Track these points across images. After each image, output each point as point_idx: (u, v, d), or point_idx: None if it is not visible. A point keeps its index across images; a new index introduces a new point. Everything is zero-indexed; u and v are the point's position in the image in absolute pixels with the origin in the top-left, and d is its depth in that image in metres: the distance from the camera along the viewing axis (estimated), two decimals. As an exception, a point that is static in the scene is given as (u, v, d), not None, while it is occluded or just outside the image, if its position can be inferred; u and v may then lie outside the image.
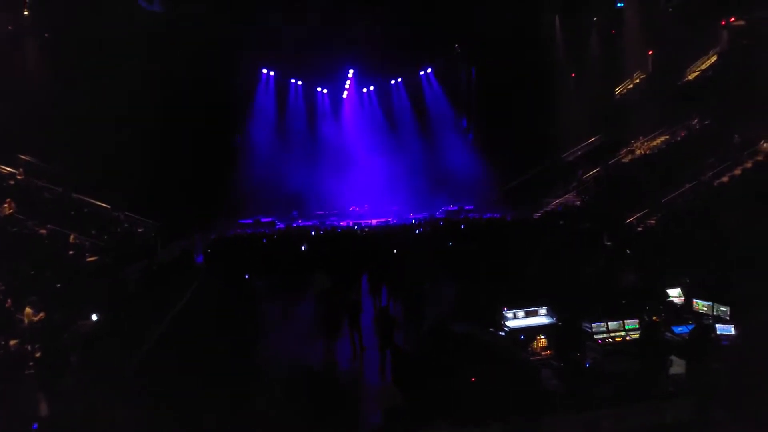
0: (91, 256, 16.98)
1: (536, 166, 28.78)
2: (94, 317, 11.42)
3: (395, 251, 17.24)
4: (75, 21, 21.41)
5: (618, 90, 30.42)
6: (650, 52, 28.74)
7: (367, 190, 31.26)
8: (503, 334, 8.92)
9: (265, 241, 21.83)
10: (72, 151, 21.11)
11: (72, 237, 17.32)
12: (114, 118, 21.97)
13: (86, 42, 21.65)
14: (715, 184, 19.08)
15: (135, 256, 17.98)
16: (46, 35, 22.60)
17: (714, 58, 26.15)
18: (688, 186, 19.55)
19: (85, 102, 21.53)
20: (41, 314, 10.74)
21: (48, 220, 17.84)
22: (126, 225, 21.96)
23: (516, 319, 9.19)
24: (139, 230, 22.23)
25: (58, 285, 13.28)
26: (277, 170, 29.55)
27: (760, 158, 18.64)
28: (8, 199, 17.08)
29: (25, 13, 22.23)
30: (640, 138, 26.23)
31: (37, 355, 9.24)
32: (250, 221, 27.88)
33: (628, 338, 8.29)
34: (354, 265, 15.65)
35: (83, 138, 21.16)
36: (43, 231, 16.95)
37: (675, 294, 9.89)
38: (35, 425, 6.86)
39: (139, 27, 22.48)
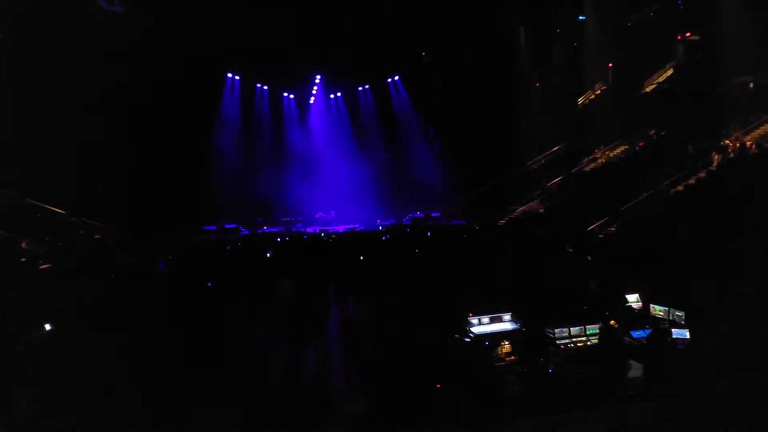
0: (45, 264, 16.39)
1: (502, 174, 29.25)
2: (47, 327, 10.99)
3: (362, 258, 17.20)
4: (33, 21, 20.73)
5: (581, 100, 31.25)
6: (610, 65, 29.66)
7: (333, 197, 31.14)
8: (468, 340, 8.98)
9: (228, 248, 21.46)
10: (27, 154, 20.37)
11: (24, 243, 16.69)
12: (72, 122, 21.32)
13: (44, 43, 20.98)
14: (672, 192, 19.76)
15: (91, 263, 17.42)
16: (0, 35, 21.80)
17: (670, 72, 27.19)
18: (645, 195, 20.18)
19: (41, 105, 20.84)
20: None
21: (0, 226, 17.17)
22: (82, 231, 21.29)
23: (481, 325, 9.27)
24: (96, 236, 21.57)
25: (10, 293, 12.75)
26: (243, 176, 29.18)
27: (713, 168, 19.40)
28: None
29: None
30: (602, 147, 26.98)
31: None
32: (213, 228, 27.38)
33: (589, 343, 8.45)
34: (320, 271, 15.53)
35: (39, 142, 20.46)
36: (-6, 237, 16.30)
37: (633, 299, 10.15)
38: None
39: (98, 28, 21.91)
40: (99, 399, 8.04)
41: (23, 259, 15.91)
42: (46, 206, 20.96)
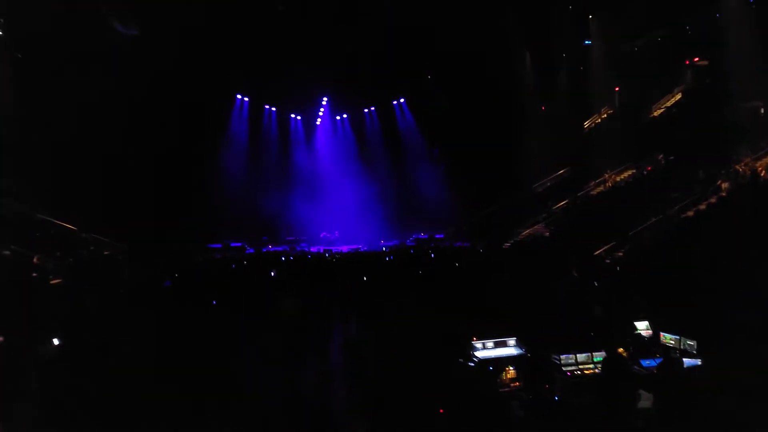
0: (55, 279, 16.46)
1: (507, 196, 29.25)
2: (55, 342, 11.00)
3: (365, 278, 17.16)
4: (47, 41, 21.16)
5: (587, 124, 31.35)
6: (617, 89, 29.80)
7: (338, 217, 31.23)
8: (472, 364, 8.88)
9: (234, 266, 21.48)
10: (39, 171, 20.64)
11: (36, 258, 16.81)
12: (84, 140, 21.62)
13: (58, 62, 21.39)
14: (681, 217, 19.62)
15: (101, 280, 17.47)
16: (18, 56, 22.27)
17: (678, 96, 27.25)
18: (654, 219, 20.05)
19: (55, 122, 21.18)
20: (0, 337, 10.30)
21: (12, 240, 17.31)
22: (92, 247, 21.41)
23: (485, 350, 9.17)
24: (106, 253, 21.67)
25: (20, 307, 12.79)
26: (249, 195, 29.35)
27: (723, 194, 19.29)
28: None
29: None
30: (608, 171, 26.96)
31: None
32: (219, 246, 27.46)
33: (596, 370, 8.32)
34: (323, 291, 15.50)
35: (51, 158, 20.74)
36: (6, 252, 16.41)
37: (643, 327, 10.01)
38: None
39: (112, 49, 22.32)
40: (101, 415, 7.99)
41: (34, 274, 15.98)
42: (57, 222, 21.13)
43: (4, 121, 20.02)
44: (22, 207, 20.34)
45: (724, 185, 19.47)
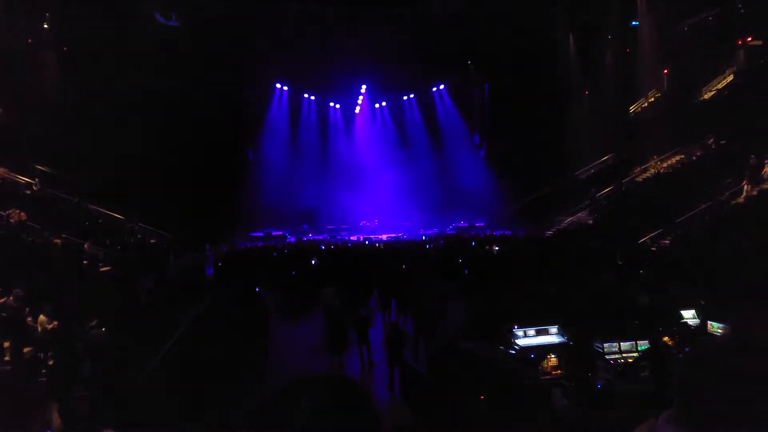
0: (104, 266, 17.13)
1: (549, 183, 28.68)
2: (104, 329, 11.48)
3: (405, 267, 17.20)
4: (93, 34, 21.89)
5: (633, 108, 30.32)
6: (665, 71, 28.66)
7: (377, 206, 31.31)
8: (513, 352, 8.82)
9: (275, 254, 21.89)
10: (88, 161, 21.47)
11: (86, 246, 17.51)
12: (130, 131, 22.34)
13: (103, 55, 22.12)
14: (732, 204, 18.83)
15: (148, 268, 18.12)
16: (65, 48, 23.10)
17: (730, 78, 25.98)
18: (703, 206, 19.32)
19: (101, 114, 21.95)
20: (55, 323, 10.82)
21: (63, 229, 18.07)
22: (139, 236, 22.18)
23: (526, 338, 9.08)
24: (152, 241, 22.43)
25: (72, 294, 13.39)
26: (289, 184, 29.76)
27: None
28: (15, 210, 17.20)
29: (45, 26, 22.78)
30: (655, 157, 26.05)
31: (50, 363, 9.29)
32: (261, 234, 28.02)
33: (638, 359, 8.14)
34: (364, 279, 15.63)
35: (99, 149, 21.53)
36: (57, 240, 17.15)
37: (689, 315, 9.72)
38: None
39: (155, 41, 22.92)
40: (149, 399, 8.32)
41: (85, 262, 16.66)
42: (105, 211, 21.96)
43: (51, 114, 20.85)
44: (72, 197, 21.19)
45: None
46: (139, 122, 22.53)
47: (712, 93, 26.41)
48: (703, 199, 19.65)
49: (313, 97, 32.59)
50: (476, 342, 9.23)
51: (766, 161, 18.89)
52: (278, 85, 31.21)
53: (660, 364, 7.44)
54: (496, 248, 20.64)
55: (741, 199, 18.67)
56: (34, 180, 20.31)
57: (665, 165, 25.33)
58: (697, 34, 26.40)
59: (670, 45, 27.02)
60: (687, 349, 7.99)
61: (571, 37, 29.40)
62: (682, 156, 24.86)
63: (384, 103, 33.93)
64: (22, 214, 17.00)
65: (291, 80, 31.00)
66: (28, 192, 19.78)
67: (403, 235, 28.75)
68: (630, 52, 28.76)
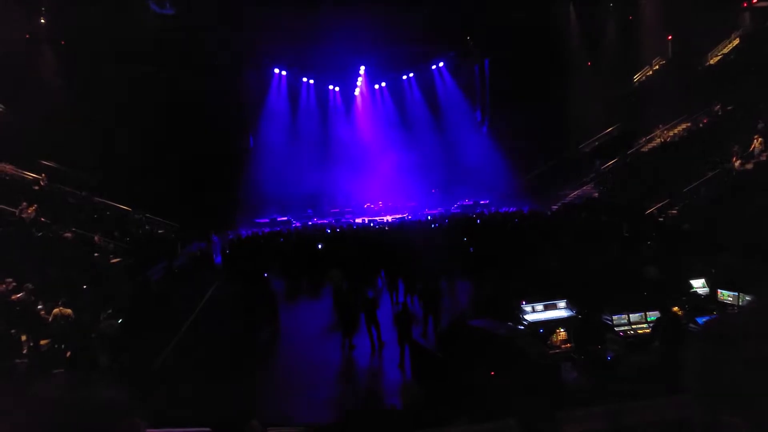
0: (114, 258, 17.28)
1: (553, 157, 28.46)
2: (119, 321, 11.61)
3: (411, 247, 17.21)
4: (89, 27, 21.76)
5: (636, 77, 29.89)
6: (669, 37, 28.15)
7: (381, 187, 31.24)
8: (522, 327, 8.86)
9: (282, 240, 21.98)
10: (93, 155, 21.52)
11: (97, 238, 17.66)
12: (131, 122, 22.34)
13: (101, 47, 22.02)
14: (740, 170, 18.64)
15: (156, 258, 18.26)
16: (62, 42, 22.99)
17: (736, 42, 25.50)
18: (710, 174, 19.14)
19: (102, 106, 21.93)
20: (69, 315, 10.96)
21: (72, 223, 18.20)
22: (147, 227, 22.31)
23: (534, 313, 9.12)
24: (160, 231, 22.56)
25: (85, 286, 13.55)
26: (292, 169, 29.70)
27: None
28: (25, 203, 17.34)
29: (42, 21, 22.65)
30: (660, 126, 25.75)
31: (67, 354, 9.44)
32: (266, 220, 28.10)
33: (650, 330, 8.16)
34: (370, 261, 15.68)
35: (103, 142, 21.57)
36: (68, 234, 17.29)
37: (699, 285, 9.70)
38: None
39: (152, 30, 22.76)
40: (169, 385, 8.44)
41: (96, 254, 16.81)
42: (112, 203, 22.07)
43: (53, 108, 20.84)
44: (79, 191, 21.29)
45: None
46: (140, 113, 22.50)
47: (718, 58, 25.97)
48: (710, 167, 19.46)
49: (311, 81, 32.34)
50: (485, 319, 9.27)
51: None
52: (276, 71, 30.99)
53: (671, 335, 7.44)
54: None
55: (749, 165, 18.48)
56: (40, 176, 20.40)
57: (671, 134, 25.06)
58: (700, -2, 25.87)
59: (673, 10, 26.49)
60: (703, 321, 7.99)
61: (571, 5, 28.88)
62: (689, 124, 24.57)
63: (383, 84, 33.62)
64: (31, 209, 17.12)
65: (289, 65, 30.75)
66: (36, 188, 19.88)
67: (407, 216, 28.73)
68: (632, 19, 28.25)
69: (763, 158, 18.16)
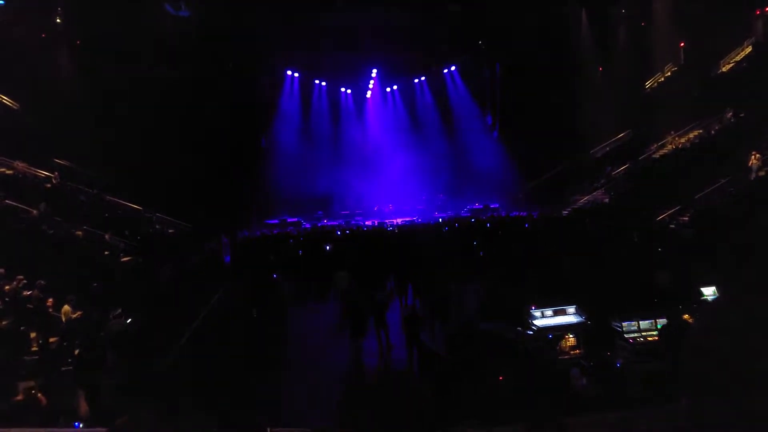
0: (125, 257, 17.41)
1: (563, 162, 28.35)
2: (127, 320, 11.70)
3: (420, 250, 17.20)
4: (104, 28, 22.01)
5: (648, 84, 29.74)
6: (682, 44, 28.00)
7: (391, 190, 31.26)
8: (531, 332, 8.84)
9: (291, 241, 22.05)
10: (105, 154, 21.72)
11: (108, 236, 17.81)
12: (144, 122, 22.54)
13: (116, 48, 22.25)
14: (752, 179, 18.49)
15: (167, 257, 18.38)
16: (77, 42, 23.25)
17: (749, 49, 25.31)
18: (722, 182, 19.00)
19: (115, 106, 22.15)
20: (79, 313, 11.07)
21: (83, 222, 18.37)
22: (158, 226, 22.46)
23: (544, 318, 9.10)
24: (170, 231, 22.70)
25: (95, 284, 13.66)
26: (303, 171, 29.79)
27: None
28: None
29: (57, 20, 22.92)
30: (672, 132, 25.60)
31: (76, 352, 9.52)
32: (276, 221, 28.18)
33: (658, 337, 8.12)
34: (380, 264, 15.69)
35: (115, 141, 21.76)
36: (79, 233, 17.45)
37: (710, 293, 9.63)
38: (77, 424, 6.99)
39: (166, 32, 22.97)
40: (177, 385, 8.48)
41: (106, 253, 16.95)
42: (123, 202, 22.25)
43: (67, 108, 21.08)
44: (90, 189, 21.49)
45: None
46: (153, 113, 22.69)
47: (730, 65, 25.79)
48: (721, 175, 19.32)
49: (324, 83, 32.47)
50: (494, 323, 9.26)
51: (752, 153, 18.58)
52: (289, 72, 31.14)
53: (679, 343, 7.38)
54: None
55: (763, 173, 18.34)
56: (53, 173, 20.62)
57: (683, 140, 24.89)
58: (714, 5, 25.71)
59: (686, 17, 26.35)
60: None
61: (583, 11, 28.81)
62: (700, 131, 24.40)
63: (395, 87, 33.68)
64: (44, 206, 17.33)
65: (302, 67, 30.89)
66: (48, 186, 20.09)
67: (417, 219, 28.73)
68: (645, 25, 28.14)
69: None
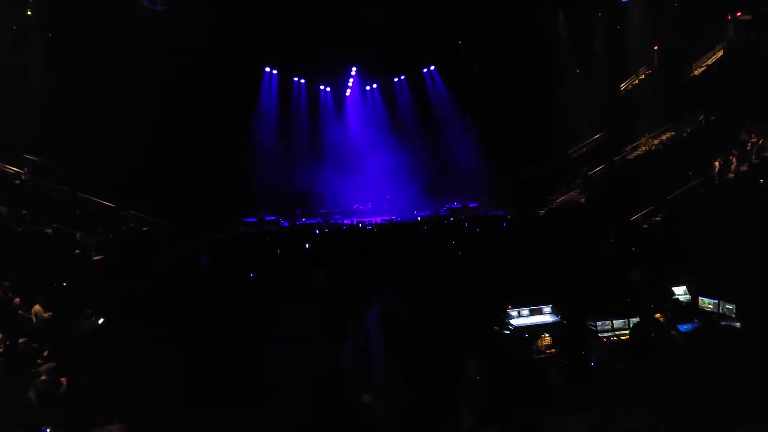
0: (97, 255, 17.08)
1: (541, 163, 28.69)
2: (99, 320, 11.46)
3: (399, 249, 17.23)
4: (77, 20, 21.53)
5: (623, 86, 30.28)
6: (656, 48, 28.58)
7: (370, 188, 31.24)
8: (507, 332, 8.92)
9: (269, 239, 21.87)
10: (77, 150, 21.25)
11: (78, 235, 17.44)
12: (117, 117, 22.10)
13: (88, 41, 21.79)
14: (722, 180, 18.97)
15: (140, 255, 18.06)
16: (49, 34, 22.71)
17: (720, 53, 25.97)
18: (693, 183, 19.45)
19: (88, 101, 21.67)
20: (49, 313, 10.81)
21: (54, 219, 17.96)
22: (131, 224, 22.08)
23: (520, 318, 9.20)
24: (144, 229, 22.33)
25: (66, 283, 13.37)
26: (281, 169, 29.59)
27: (767, 155, 18.51)
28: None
29: (28, 12, 22.35)
30: (646, 134, 26.11)
31: (46, 353, 9.30)
32: (254, 220, 27.92)
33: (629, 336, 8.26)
34: (358, 262, 15.64)
35: (88, 137, 21.31)
36: (49, 231, 17.05)
37: (681, 292, 9.83)
38: (44, 429, 6.83)
39: (140, 26, 22.57)
40: (142, 392, 8.32)
41: (77, 251, 16.61)
42: (96, 199, 21.82)
43: (38, 101, 20.58)
44: (62, 185, 21.03)
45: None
46: (127, 109, 22.27)
47: (702, 69, 26.41)
48: (693, 176, 19.77)
49: (303, 81, 32.26)
50: (470, 323, 9.30)
51: (750, 138, 19.04)
52: (267, 69, 30.85)
53: (646, 341, 7.54)
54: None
55: (731, 175, 18.82)
56: (22, 170, 20.10)
57: (656, 142, 25.41)
58: (687, 10, 26.30)
59: (660, 21, 26.90)
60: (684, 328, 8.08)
61: (560, 14, 29.19)
62: (673, 132, 24.94)
63: (375, 85, 33.66)
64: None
65: (280, 64, 30.64)
66: (17, 182, 19.58)
67: (396, 218, 28.75)
68: (620, 29, 28.63)
69: (744, 168, 18.52)
